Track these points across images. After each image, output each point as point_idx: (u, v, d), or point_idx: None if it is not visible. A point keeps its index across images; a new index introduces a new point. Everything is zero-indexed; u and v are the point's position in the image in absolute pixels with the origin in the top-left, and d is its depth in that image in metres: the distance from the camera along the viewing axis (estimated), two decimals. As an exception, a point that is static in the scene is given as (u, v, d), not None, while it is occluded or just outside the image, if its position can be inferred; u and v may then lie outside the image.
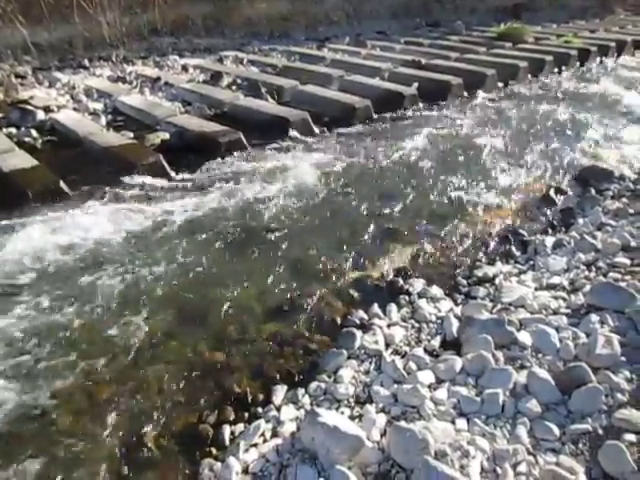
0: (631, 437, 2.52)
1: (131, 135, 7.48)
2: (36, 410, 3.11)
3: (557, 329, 3.41)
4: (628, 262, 4.13)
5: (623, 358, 3.04)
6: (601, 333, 3.21)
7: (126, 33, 12.92)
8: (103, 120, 8.20)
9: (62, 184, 5.77)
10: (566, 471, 2.40)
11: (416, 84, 9.89)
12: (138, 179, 6.14)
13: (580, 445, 2.57)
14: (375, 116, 8.76)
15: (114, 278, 4.32)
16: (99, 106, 8.86)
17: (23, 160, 6.13)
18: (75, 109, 8.62)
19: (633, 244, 4.36)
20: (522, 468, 2.44)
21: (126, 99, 8.93)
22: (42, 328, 3.73)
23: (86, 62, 11.78)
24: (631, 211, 5.18)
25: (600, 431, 2.61)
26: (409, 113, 9.05)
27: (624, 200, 5.50)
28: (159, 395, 3.23)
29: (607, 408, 2.73)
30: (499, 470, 2.43)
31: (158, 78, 10.39)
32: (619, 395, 2.79)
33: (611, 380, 2.87)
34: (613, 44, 13.87)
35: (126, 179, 6.11)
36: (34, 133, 7.49)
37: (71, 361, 3.45)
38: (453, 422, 2.76)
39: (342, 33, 15.83)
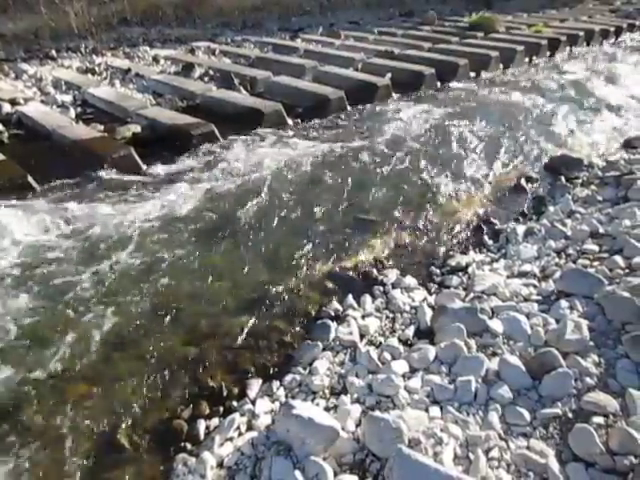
0: (599, 420, 2.59)
1: (101, 128, 7.33)
2: (5, 407, 3.05)
3: (528, 316, 3.47)
4: (596, 248, 4.22)
5: (592, 343, 3.12)
6: (570, 319, 3.28)
7: (94, 23, 12.66)
8: (72, 113, 8.02)
9: (30, 178, 5.64)
10: (537, 455, 2.46)
11: (389, 74, 9.91)
12: (109, 173, 6.03)
13: (550, 429, 2.63)
14: (349, 107, 8.75)
15: (84, 273, 4.25)
16: (68, 98, 8.67)
17: (-12, 154, 5.96)
18: (43, 101, 8.42)
19: (601, 231, 4.46)
20: (494, 453, 2.49)
21: (96, 91, 8.74)
22: (10, 324, 3.66)
23: (53, 53, 11.51)
24: (599, 198, 5.29)
25: (570, 415, 2.67)
26: (382, 104, 9.05)
27: (593, 187, 5.61)
28: (132, 391, 3.19)
29: (576, 392, 2.79)
30: (472, 456, 2.47)
31: (128, 69, 10.21)
32: (588, 379, 2.86)
33: (580, 364, 2.94)
34: (582, 33, 14.07)
35: (96, 173, 6.00)
36: (0, 126, 7.28)
37: (41, 357, 3.39)
38: (427, 410, 2.80)
39: (315, 23, 15.79)
